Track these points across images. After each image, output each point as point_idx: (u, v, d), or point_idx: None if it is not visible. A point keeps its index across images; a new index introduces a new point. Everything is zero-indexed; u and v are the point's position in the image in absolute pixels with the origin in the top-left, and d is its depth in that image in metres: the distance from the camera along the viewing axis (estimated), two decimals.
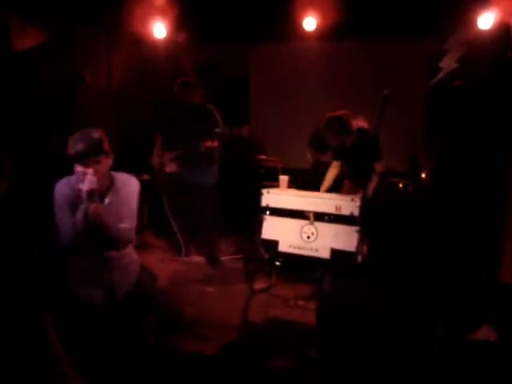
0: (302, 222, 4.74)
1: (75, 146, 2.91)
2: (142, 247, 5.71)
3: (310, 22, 6.23)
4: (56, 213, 3.01)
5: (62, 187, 3.04)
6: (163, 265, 5.42)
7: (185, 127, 5.35)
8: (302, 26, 6.32)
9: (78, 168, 2.94)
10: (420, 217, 4.69)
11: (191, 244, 5.70)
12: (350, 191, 5.08)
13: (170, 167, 5.40)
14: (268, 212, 4.90)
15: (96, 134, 2.98)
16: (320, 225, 4.67)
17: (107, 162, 3.06)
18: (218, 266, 5.47)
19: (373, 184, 4.96)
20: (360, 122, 5.44)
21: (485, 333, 3.24)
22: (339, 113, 5.04)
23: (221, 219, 5.70)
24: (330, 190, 5.28)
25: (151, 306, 3.28)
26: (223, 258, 5.70)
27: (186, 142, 5.32)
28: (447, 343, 2.95)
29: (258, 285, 4.72)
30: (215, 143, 5.35)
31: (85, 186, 2.92)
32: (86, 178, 2.93)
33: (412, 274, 4.15)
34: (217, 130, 5.33)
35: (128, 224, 3.11)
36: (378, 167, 4.99)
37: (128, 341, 3.08)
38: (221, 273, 5.27)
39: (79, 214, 2.95)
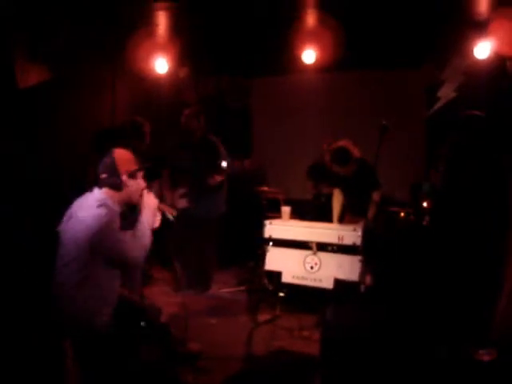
0: (305, 252, 4.75)
1: (143, 163, 3.10)
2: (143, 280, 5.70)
3: (309, 55, 6.33)
4: (114, 246, 2.87)
5: (105, 219, 2.86)
6: (166, 298, 5.40)
7: (191, 161, 5.42)
8: (301, 59, 6.42)
9: (142, 183, 3.08)
10: (422, 245, 4.69)
11: (193, 277, 5.65)
12: (351, 222, 5.12)
13: (182, 203, 5.43)
14: (271, 243, 4.92)
15: None
16: (323, 255, 4.69)
17: None
18: (208, 290, 5.48)
19: (371, 213, 4.99)
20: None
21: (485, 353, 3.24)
22: (341, 143, 5.10)
23: (216, 250, 5.71)
24: (341, 217, 5.33)
25: (156, 338, 3.27)
26: (226, 290, 5.69)
27: (194, 177, 5.38)
28: (450, 368, 2.94)
29: (262, 316, 4.70)
30: (222, 177, 5.42)
31: (154, 202, 3.12)
32: (150, 195, 3.14)
33: (415, 302, 4.14)
34: (223, 164, 5.42)
35: None
36: (375, 196, 5.02)
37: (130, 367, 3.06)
38: (224, 305, 5.25)
39: (148, 233, 3.01)
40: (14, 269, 2.70)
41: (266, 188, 6.19)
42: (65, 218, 3.00)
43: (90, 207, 2.89)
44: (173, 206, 5.40)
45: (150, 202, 3.15)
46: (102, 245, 2.81)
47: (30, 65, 4.80)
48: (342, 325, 3.17)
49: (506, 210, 3.76)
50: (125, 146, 4.83)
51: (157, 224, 3.21)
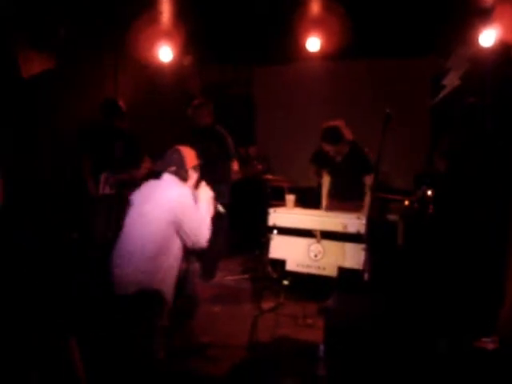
0: (309, 240, 4.76)
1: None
2: None
3: (313, 43, 6.30)
4: (195, 218, 3.38)
5: (189, 194, 3.47)
6: None
7: (199, 151, 5.44)
8: (305, 47, 6.39)
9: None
10: (425, 233, 4.70)
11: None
12: (336, 205, 5.15)
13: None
14: (275, 231, 4.93)
15: None
16: (327, 243, 4.70)
17: None
18: (213, 278, 5.50)
19: (367, 200, 4.98)
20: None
21: (489, 341, 3.26)
22: (334, 123, 5.13)
23: (227, 237, 5.73)
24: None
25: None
26: (231, 278, 5.72)
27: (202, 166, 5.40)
28: (451, 357, 2.96)
29: (266, 304, 4.73)
30: (229, 166, 5.45)
31: (210, 193, 3.68)
32: (206, 187, 3.69)
33: (417, 290, 4.16)
34: (231, 154, 5.46)
35: None
36: (368, 180, 5.01)
37: (138, 355, 3.11)
38: (228, 292, 5.28)
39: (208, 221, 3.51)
40: (14, 269, 2.72)
41: (270, 176, 6.20)
42: (139, 201, 3.46)
43: (173, 187, 3.45)
44: None
45: (206, 193, 3.64)
46: (186, 215, 3.31)
47: (33, 53, 4.79)
48: (345, 313, 3.19)
49: (510, 199, 3.76)
50: (108, 124, 4.89)
51: (212, 214, 3.64)
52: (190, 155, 3.65)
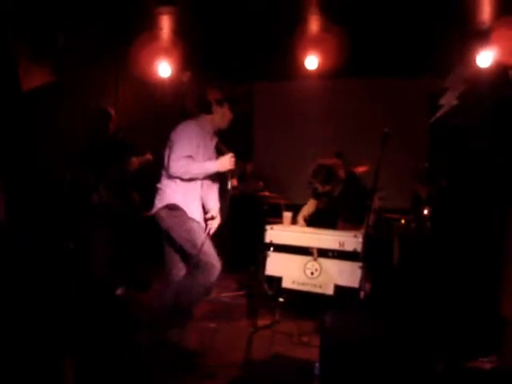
0: (306, 258, 4.75)
1: None
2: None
3: (311, 61, 6.35)
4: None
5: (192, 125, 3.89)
6: None
7: None
8: (303, 65, 6.44)
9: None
10: (422, 252, 4.70)
11: None
12: (345, 229, 5.12)
13: None
14: (272, 248, 4.92)
15: None
16: (323, 261, 4.69)
17: None
18: (208, 296, 5.47)
19: (371, 220, 4.98)
20: (360, 168, 5.56)
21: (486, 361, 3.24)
22: (328, 162, 5.13)
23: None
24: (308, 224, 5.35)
25: None
26: (226, 295, 5.69)
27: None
28: (448, 376, 2.94)
29: (262, 321, 4.70)
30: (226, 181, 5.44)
31: None
32: None
33: (413, 309, 4.14)
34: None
35: None
36: (373, 204, 5.01)
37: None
38: (224, 309, 5.25)
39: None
40: (14, 270, 2.70)
41: (267, 193, 6.19)
42: None
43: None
44: None
45: (214, 165, 3.82)
46: (176, 141, 3.78)
47: (33, 67, 4.81)
48: (341, 332, 3.17)
49: (505, 217, 3.77)
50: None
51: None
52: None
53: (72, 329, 2.66)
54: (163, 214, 3.76)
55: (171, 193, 3.76)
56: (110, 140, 5.34)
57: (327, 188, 5.12)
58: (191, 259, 3.68)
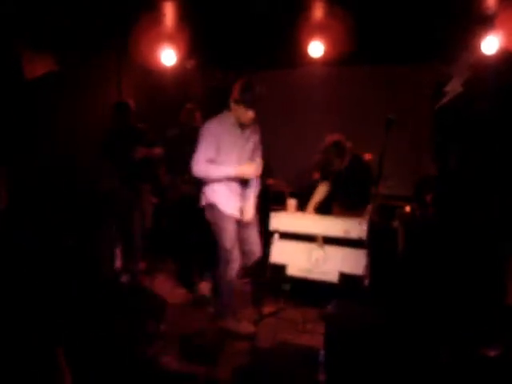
0: (311, 245, 4.76)
1: None
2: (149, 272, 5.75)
3: (316, 48, 6.31)
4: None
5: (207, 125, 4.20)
6: (171, 289, 5.41)
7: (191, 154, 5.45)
8: (308, 52, 6.41)
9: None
10: (427, 239, 4.69)
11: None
12: (340, 214, 5.12)
13: (186, 188, 5.44)
14: (276, 236, 4.93)
15: None
16: (329, 248, 4.70)
17: None
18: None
19: (371, 206, 4.96)
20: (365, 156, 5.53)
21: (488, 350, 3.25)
22: (336, 137, 5.11)
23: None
24: (318, 210, 5.33)
25: None
26: None
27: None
28: (452, 364, 2.95)
29: (267, 309, 4.72)
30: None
31: None
32: None
33: (417, 297, 4.15)
34: None
35: None
36: (374, 190, 4.98)
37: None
38: None
39: None
40: (14, 269, 2.71)
41: (271, 181, 6.19)
42: None
43: None
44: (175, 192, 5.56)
45: (236, 170, 4.14)
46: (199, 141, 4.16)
47: (36, 56, 4.79)
48: (346, 318, 3.19)
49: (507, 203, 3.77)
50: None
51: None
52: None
53: (69, 322, 2.67)
54: (205, 210, 4.24)
55: (209, 192, 4.16)
56: (129, 130, 5.42)
57: (341, 163, 5.09)
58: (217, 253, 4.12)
